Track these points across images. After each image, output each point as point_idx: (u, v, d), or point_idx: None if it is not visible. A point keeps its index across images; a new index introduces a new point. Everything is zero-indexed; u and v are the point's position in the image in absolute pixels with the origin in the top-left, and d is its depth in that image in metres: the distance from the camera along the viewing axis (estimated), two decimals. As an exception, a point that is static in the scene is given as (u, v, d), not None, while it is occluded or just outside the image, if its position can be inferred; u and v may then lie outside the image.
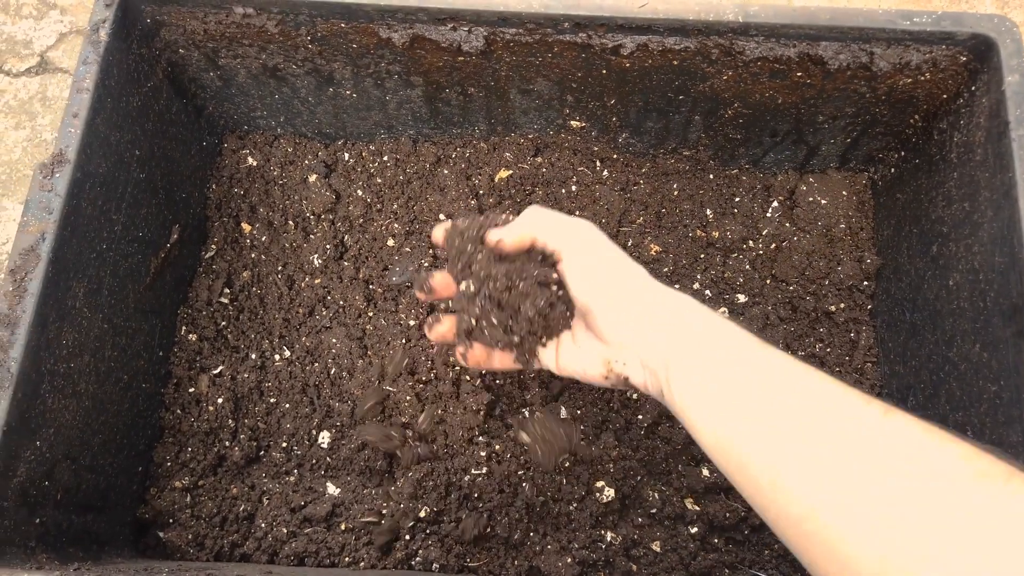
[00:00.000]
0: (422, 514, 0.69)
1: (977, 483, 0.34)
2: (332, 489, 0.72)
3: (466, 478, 0.70)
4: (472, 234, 0.56)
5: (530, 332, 0.55)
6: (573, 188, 0.82)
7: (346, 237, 0.82)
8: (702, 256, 0.81)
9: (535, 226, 0.54)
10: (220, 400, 0.75)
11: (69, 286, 0.61)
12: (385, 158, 0.84)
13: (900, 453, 0.37)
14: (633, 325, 0.50)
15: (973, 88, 0.66)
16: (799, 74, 0.69)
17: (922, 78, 0.67)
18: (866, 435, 0.38)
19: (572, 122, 0.79)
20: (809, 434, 0.40)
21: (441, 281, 0.59)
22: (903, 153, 0.77)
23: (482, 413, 0.72)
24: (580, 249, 0.53)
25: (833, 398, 0.41)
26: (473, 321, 0.55)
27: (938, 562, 0.33)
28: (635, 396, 0.74)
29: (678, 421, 0.72)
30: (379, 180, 0.83)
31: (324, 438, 0.73)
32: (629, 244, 0.81)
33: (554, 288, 0.54)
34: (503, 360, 0.59)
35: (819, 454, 0.39)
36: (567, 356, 0.56)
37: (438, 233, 0.59)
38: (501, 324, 0.55)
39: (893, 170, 0.79)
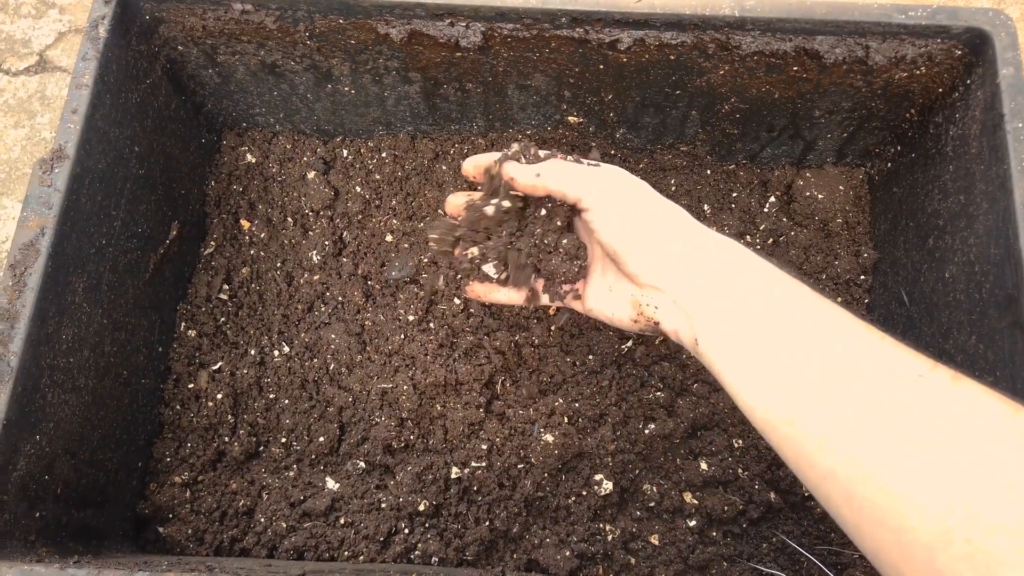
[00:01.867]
0: (421, 508, 0.69)
1: None
2: (331, 484, 0.72)
3: (466, 471, 0.70)
4: (499, 170, 0.57)
5: (534, 268, 0.58)
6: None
7: (344, 233, 0.82)
8: (700, 251, 0.82)
9: (552, 180, 0.53)
10: (219, 396, 0.75)
11: (69, 281, 0.61)
12: (383, 154, 0.84)
13: (971, 421, 0.36)
14: (669, 265, 0.49)
15: (968, 82, 0.66)
16: (795, 68, 0.69)
17: (917, 72, 0.68)
18: (932, 404, 0.37)
19: (570, 118, 0.79)
20: (865, 401, 0.39)
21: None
22: (899, 147, 0.77)
23: (481, 409, 0.72)
24: (610, 199, 0.51)
25: (892, 361, 0.40)
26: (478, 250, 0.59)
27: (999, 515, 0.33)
28: (635, 389, 0.74)
29: (673, 416, 0.72)
30: (377, 176, 0.84)
31: (323, 433, 0.74)
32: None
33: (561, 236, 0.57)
34: (508, 295, 0.61)
35: (881, 424, 0.38)
36: (596, 297, 0.56)
37: (469, 165, 0.61)
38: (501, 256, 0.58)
39: (889, 164, 0.79)
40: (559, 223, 0.57)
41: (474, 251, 0.59)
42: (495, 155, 0.58)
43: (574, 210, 0.55)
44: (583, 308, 0.58)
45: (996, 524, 0.33)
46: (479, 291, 0.61)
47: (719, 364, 0.46)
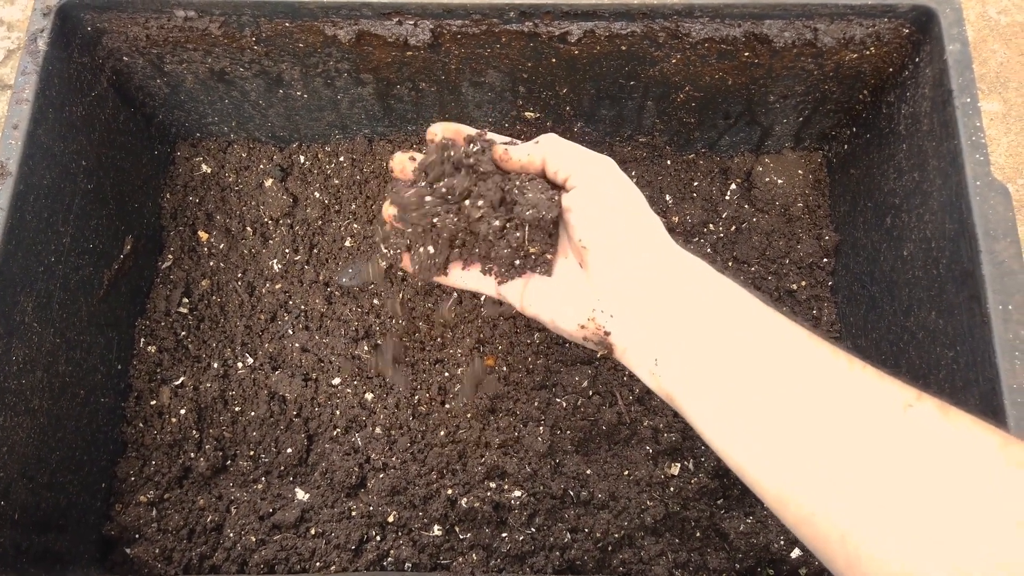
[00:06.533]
0: (391, 519, 0.68)
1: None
2: (301, 495, 0.71)
3: (437, 478, 0.69)
4: (459, 155, 0.51)
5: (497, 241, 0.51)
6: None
7: (305, 240, 0.81)
8: (663, 241, 0.81)
9: (550, 151, 0.50)
10: (183, 411, 0.73)
11: (16, 300, 0.60)
12: (341, 159, 0.83)
13: (927, 453, 0.35)
14: (638, 275, 0.45)
15: (917, 60, 0.66)
16: (746, 54, 0.69)
17: (867, 52, 0.68)
18: (889, 438, 0.36)
19: (526, 113, 0.79)
20: (820, 441, 0.37)
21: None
22: (854, 129, 0.77)
23: (447, 447, 0.72)
24: (596, 181, 0.48)
25: (858, 398, 0.38)
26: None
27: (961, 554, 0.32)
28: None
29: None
30: (336, 181, 0.83)
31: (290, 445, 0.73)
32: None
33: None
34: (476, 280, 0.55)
35: (836, 466, 0.36)
36: (536, 294, 0.51)
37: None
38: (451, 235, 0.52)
39: (846, 146, 0.79)
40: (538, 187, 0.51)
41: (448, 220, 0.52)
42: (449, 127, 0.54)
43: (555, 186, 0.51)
44: (519, 306, 0.52)
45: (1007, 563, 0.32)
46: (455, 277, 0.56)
47: (685, 401, 0.43)
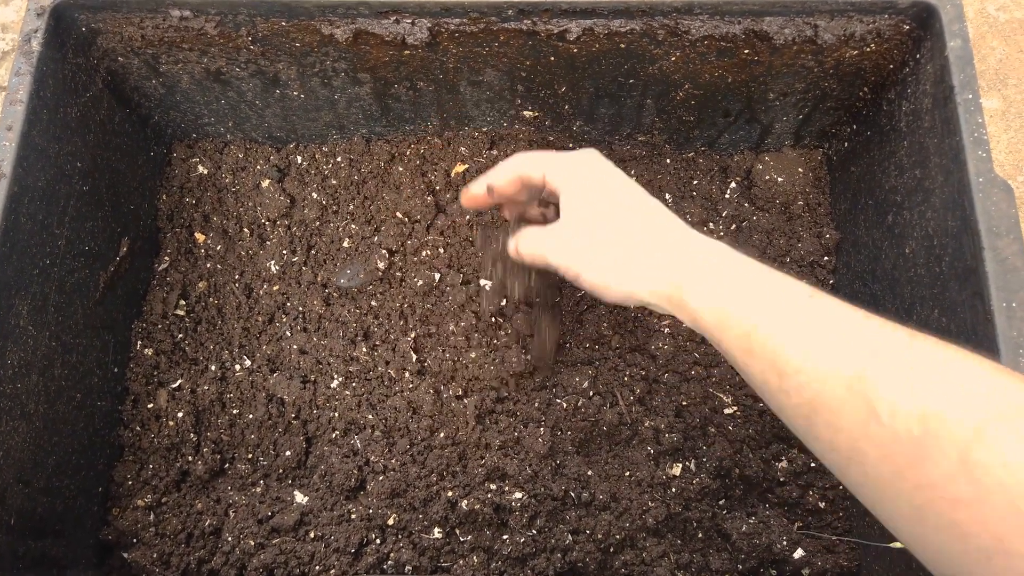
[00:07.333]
0: (391, 522, 0.67)
1: None
2: (300, 497, 0.70)
3: (436, 480, 0.69)
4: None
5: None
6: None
7: (303, 241, 0.80)
8: (663, 240, 0.81)
9: (522, 164, 0.56)
10: (180, 414, 0.73)
11: (11, 304, 0.59)
12: (339, 159, 0.83)
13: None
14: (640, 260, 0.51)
15: (918, 56, 0.66)
16: (746, 51, 0.68)
17: (867, 49, 0.68)
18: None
19: (525, 112, 0.78)
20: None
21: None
22: (855, 126, 0.77)
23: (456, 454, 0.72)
24: (580, 183, 0.54)
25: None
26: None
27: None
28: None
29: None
30: (333, 181, 0.82)
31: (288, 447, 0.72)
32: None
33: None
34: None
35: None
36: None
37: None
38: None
39: (846, 144, 0.79)
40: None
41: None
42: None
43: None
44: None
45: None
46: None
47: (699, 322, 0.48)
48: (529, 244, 0.56)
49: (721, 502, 0.71)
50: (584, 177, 0.54)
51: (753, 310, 0.45)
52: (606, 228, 0.52)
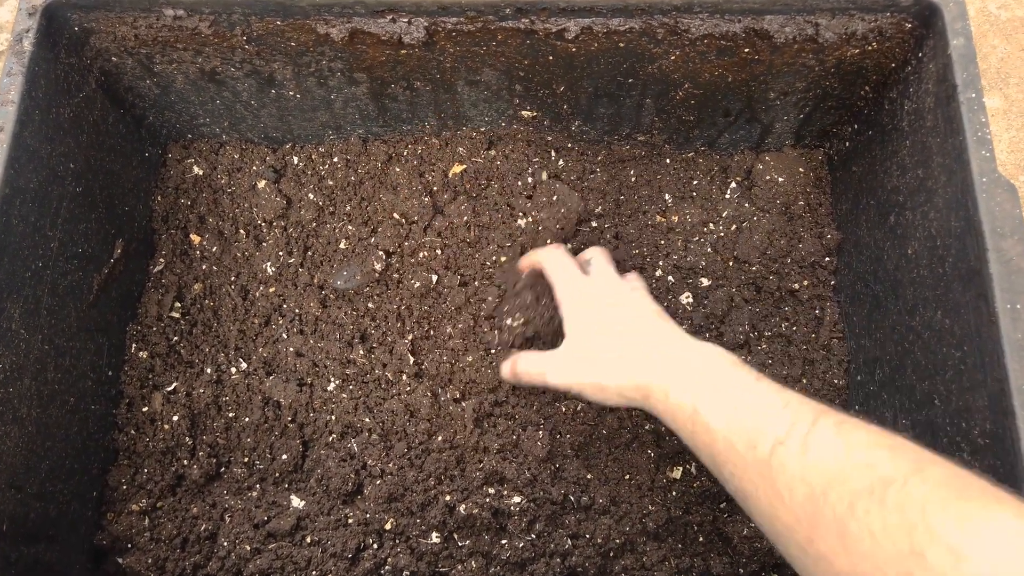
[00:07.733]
0: (388, 526, 0.67)
1: None
2: (296, 502, 0.69)
3: (434, 484, 0.68)
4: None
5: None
6: (529, 180, 0.80)
7: (299, 243, 0.79)
8: (663, 242, 0.80)
9: (532, 257, 0.72)
10: (176, 418, 0.72)
11: (3, 307, 0.58)
12: (335, 159, 0.82)
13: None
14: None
15: (920, 55, 0.65)
16: (746, 50, 0.68)
17: (869, 48, 0.67)
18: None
19: (523, 112, 0.78)
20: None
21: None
22: (856, 126, 0.76)
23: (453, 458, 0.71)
24: (581, 313, 0.64)
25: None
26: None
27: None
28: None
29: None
30: (330, 182, 0.81)
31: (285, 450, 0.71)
32: (587, 241, 0.79)
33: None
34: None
35: None
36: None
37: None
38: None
39: (847, 144, 0.78)
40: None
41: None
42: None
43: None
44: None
45: None
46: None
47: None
48: (528, 366, 0.65)
49: (722, 505, 0.70)
50: (584, 308, 0.64)
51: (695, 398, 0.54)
52: (604, 352, 0.60)
